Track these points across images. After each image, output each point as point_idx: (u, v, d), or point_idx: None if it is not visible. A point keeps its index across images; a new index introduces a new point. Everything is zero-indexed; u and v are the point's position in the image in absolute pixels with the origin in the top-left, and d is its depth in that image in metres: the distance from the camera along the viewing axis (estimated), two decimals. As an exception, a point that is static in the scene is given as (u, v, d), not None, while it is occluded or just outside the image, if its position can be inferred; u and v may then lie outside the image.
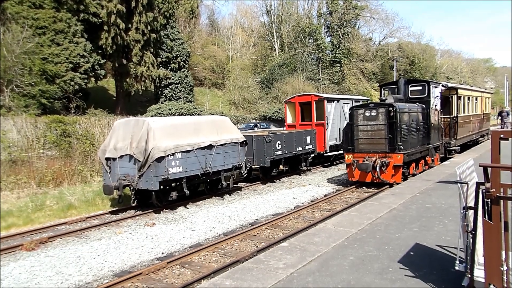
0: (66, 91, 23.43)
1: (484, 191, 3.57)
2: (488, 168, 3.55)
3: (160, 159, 10.50)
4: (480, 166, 3.56)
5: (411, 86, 15.61)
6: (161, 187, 10.83)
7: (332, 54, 52.72)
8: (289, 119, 20.53)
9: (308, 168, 18.20)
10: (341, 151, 17.68)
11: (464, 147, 20.61)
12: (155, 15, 30.06)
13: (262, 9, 56.19)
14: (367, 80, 53.38)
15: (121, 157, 11.18)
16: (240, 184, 15.18)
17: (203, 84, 45.80)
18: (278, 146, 15.24)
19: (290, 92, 38.40)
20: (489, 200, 3.52)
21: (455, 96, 18.02)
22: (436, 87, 15.70)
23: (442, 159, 17.13)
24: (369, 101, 13.26)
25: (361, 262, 5.57)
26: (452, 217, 7.64)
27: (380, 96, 15.76)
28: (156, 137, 10.61)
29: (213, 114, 27.65)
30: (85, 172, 16.19)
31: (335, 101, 19.56)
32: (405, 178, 13.23)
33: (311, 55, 52.81)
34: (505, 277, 3.48)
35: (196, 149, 11.58)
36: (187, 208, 11.85)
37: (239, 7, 69.17)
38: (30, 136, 16.75)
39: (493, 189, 3.48)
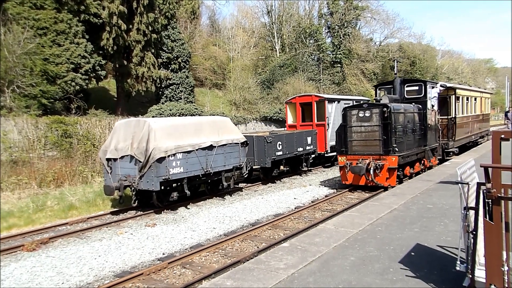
0: (67, 92, 23.42)
1: (485, 191, 3.57)
2: (489, 168, 3.55)
3: (161, 160, 10.51)
4: (481, 166, 3.56)
5: (407, 86, 15.25)
6: (162, 187, 10.83)
7: (333, 54, 52.68)
8: (290, 120, 20.53)
9: (309, 168, 18.20)
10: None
11: (463, 148, 20.20)
12: (156, 16, 30.06)
13: (263, 10, 56.16)
14: (368, 81, 53.31)
15: (122, 157, 11.19)
16: (241, 185, 15.19)
17: (204, 84, 45.79)
18: (279, 147, 15.24)
19: (291, 93, 38.38)
20: (490, 200, 3.52)
21: (453, 96, 17.68)
22: (433, 87, 15.36)
23: (440, 161, 16.84)
24: (362, 102, 13.03)
25: (362, 263, 5.57)
26: (453, 218, 7.64)
27: (376, 96, 15.45)
28: (157, 138, 10.62)
29: (214, 115, 27.66)
30: (86, 173, 16.20)
31: (336, 102, 19.56)
32: (400, 181, 12.94)
33: (311, 55, 52.80)
34: (506, 278, 3.48)
35: (197, 150, 11.58)
36: (188, 208, 11.85)
37: (240, 8, 69.18)
38: (31, 136, 16.78)
39: (494, 189, 3.48)
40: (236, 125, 20.44)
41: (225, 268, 6.83)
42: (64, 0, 23.23)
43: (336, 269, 5.38)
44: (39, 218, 11.10)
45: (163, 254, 8.05)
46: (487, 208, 3.59)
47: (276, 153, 15.03)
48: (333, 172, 18.27)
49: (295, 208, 11.59)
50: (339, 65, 52.04)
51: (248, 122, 38.44)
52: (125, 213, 11.46)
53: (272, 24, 53.79)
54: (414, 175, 13.85)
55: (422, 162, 14.68)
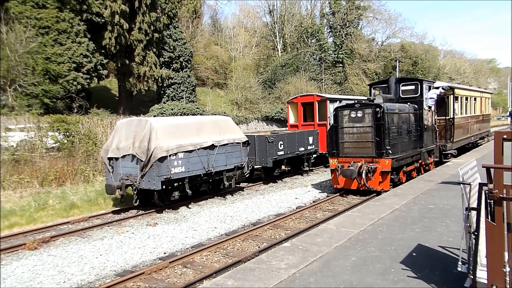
0: (68, 91, 23.48)
1: (487, 192, 3.56)
2: (491, 169, 3.54)
3: (162, 159, 10.52)
4: (483, 167, 3.55)
5: (402, 85, 14.56)
6: (163, 187, 10.84)
7: (335, 54, 52.68)
8: (292, 119, 20.52)
9: (310, 168, 18.19)
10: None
11: (462, 150, 19.51)
12: (158, 15, 30.10)
13: (265, 9, 56.24)
14: (370, 81, 53.26)
15: (123, 157, 11.20)
16: (242, 184, 15.19)
17: (205, 84, 45.83)
18: (281, 146, 15.24)
19: (292, 92, 38.40)
20: (492, 201, 3.51)
21: (452, 96, 17.05)
22: (430, 86, 14.71)
23: (438, 164, 16.29)
24: (355, 101, 12.71)
25: (363, 263, 5.56)
26: (455, 218, 7.62)
27: (370, 95, 14.78)
28: (159, 137, 10.62)
29: (215, 114, 27.67)
30: (88, 172, 16.22)
31: (338, 101, 19.54)
32: (394, 185, 12.28)
33: (313, 55, 52.82)
34: (507, 278, 3.47)
35: (198, 149, 11.59)
36: (189, 208, 11.86)
37: (242, 7, 69.20)
38: (33, 135, 16.79)
39: (496, 190, 3.47)
40: (237, 124, 20.45)
41: (226, 267, 6.83)
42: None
43: (338, 269, 5.37)
44: (41, 217, 11.12)
45: (164, 253, 8.05)
46: (489, 208, 3.58)
47: (277, 152, 15.03)
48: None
49: (296, 208, 11.59)
50: (341, 65, 52.04)
51: (250, 122, 38.47)
52: (126, 212, 11.47)
53: (274, 23, 53.80)
54: (409, 178, 13.26)
55: (419, 164, 14.08)
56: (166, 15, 32.39)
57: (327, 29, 55.61)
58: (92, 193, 13.29)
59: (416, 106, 13.81)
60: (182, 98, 33.79)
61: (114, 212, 11.50)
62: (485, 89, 32.70)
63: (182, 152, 11.11)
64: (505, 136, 3.51)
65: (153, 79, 30.59)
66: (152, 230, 9.58)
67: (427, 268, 5.26)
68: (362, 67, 52.26)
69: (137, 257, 7.79)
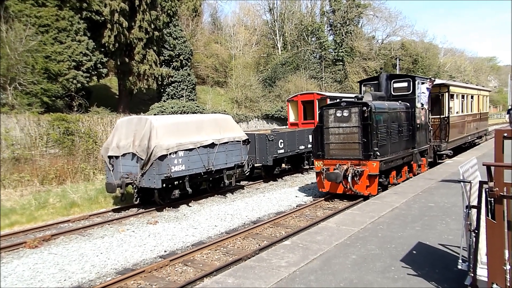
0: (68, 89, 23.45)
1: (487, 190, 3.56)
2: (492, 167, 3.54)
3: (162, 157, 10.52)
4: (483, 165, 3.55)
5: (394, 82, 13.75)
6: (164, 185, 10.85)
7: (335, 52, 52.60)
8: (292, 118, 20.51)
9: (311, 166, 18.20)
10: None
11: (458, 150, 18.75)
12: (158, 13, 30.04)
13: (265, 7, 56.11)
14: (370, 79, 53.25)
15: (123, 155, 11.21)
16: (242, 183, 15.20)
17: (205, 82, 45.79)
18: (281, 145, 15.24)
19: (292, 91, 38.36)
20: (493, 199, 3.51)
21: (447, 93, 16.29)
22: (423, 82, 13.92)
23: (432, 164, 15.62)
24: (340, 100, 11.97)
25: (364, 261, 5.57)
26: (455, 216, 7.63)
27: (360, 93, 14.02)
28: (159, 135, 10.63)
29: (215, 113, 27.66)
30: (88, 170, 16.24)
31: (338, 100, 19.51)
32: (384, 188, 11.71)
33: (313, 53, 52.74)
34: (508, 276, 3.48)
35: (198, 148, 11.59)
36: (190, 206, 11.87)
37: (242, 5, 69.16)
38: (33, 134, 16.82)
39: (496, 188, 3.47)
40: (237, 123, 20.44)
41: (226, 265, 6.84)
42: (66, -3, 23.22)
43: (338, 267, 5.38)
44: (41, 215, 11.14)
45: (165, 251, 8.07)
46: (489, 206, 3.58)
47: (277, 151, 15.03)
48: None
49: (296, 206, 11.60)
50: (341, 63, 51.97)
51: (250, 120, 38.44)
52: (127, 211, 11.49)
53: (274, 21, 53.73)
54: (400, 181, 12.45)
55: (411, 167, 13.46)
56: (166, 13, 32.33)
57: (327, 27, 55.53)
58: (92, 192, 13.30)
59: (408, 104, 13.14)
60: (182, 96, 33.76)
61: (114, 211, 11.51)
62: (483, 86, 32.31)
63: (182, 150, 11.11)
64: (505, 134, 3.51)
65: (153, 77, 30.56)
66: (152, 228, 9.59)
67: (427, 266, 5.27)
68: (362, 65, 52.19)
69: (137, 255, 7.80)
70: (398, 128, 12.21)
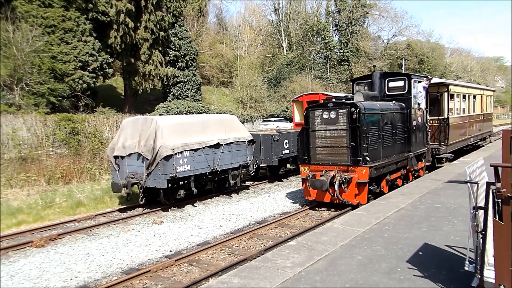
0: (75, 90, 23.62)
1: (494, 191, 3.53)
2: (499, 167, 3.51)
3: (168, 158, 10.55)
4: (490, 165, 3.53)
5: (389, 81, 12.85)
6: (169, 185, 10.87)
7: (340, 52, 52.53)
8: (297, 118, 20.49)
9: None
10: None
11: (460, 153, 17.67)
12: (164, 14, 30.16)
13: (270, 8, 56.19)
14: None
15: (129, 155, 11.25)
16: (247, 183, 15.20)
17: (210, 82, 45.88)
18: (286, 145, 15.23)
19: (297, 91, 38.32)
20: (500, 200, 3.49)
21: (446, 93, 15.26)
22: (419, 81, 13.03)
23: (431, 169, 14.71)
24: (329, 99, 11.20)
25: (369, 262, 5.55)
26: (462, 217, 7.58)
27: (353, 93, 13.27)
28: (164, 136, 10.66)
29: (220, 113, 27.68)
30: (94, 170, 16.31)
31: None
32: (376, 195, 10.70)
33: (319, 53, 52.70)
34: (515, 278, 3.45)
35: (203, 148, 11.61)
36: (195, 206, 11.89)
37: (247, 6, 69.18)
38: (40, 134, 16.92)
39: (504, 189, 3.44)
40: (243, 123, 20.46)
41: (231, 266, 6.84)
42: (72, -2, 23.39)
43: (343, 268, 5.36)
44: (48, 214, 11.20)
45: (170, 251, 8.08)
46: (496, 207, 3.55)
47: (283, 151, 15.02)
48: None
49: (301, 206, 11.58)
50: (346, 63, 51.87)
51: (255, 120, 38.43)
52: (132, 211, 11.53)
53: (279, 22, 53.73)
54: (393, 187, 11.62)
55: (406, 171, 12.46)
56: (171, 14, 32.45)
57: (332, 27, 55.50)
58: (98, 191, 13.36)
59: (404, 104, 12.25)
60: (188, 96, 33.85)
61: (120, 210, 11.56)
62: (487, 86, 31.69)
63: (187, 150, 11.13)
64: (513, 135, 3.48)
65: (158, 77, 30.69)
66: (158, 228, 9.61)
67: (434, 267, 5.24)
68: (368, 66, 52.02)
69: (143, 255, 7.82)
70: (392, 131, 11.33)
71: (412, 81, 12.48)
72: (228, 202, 12.30)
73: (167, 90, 33.57)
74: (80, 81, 23.93)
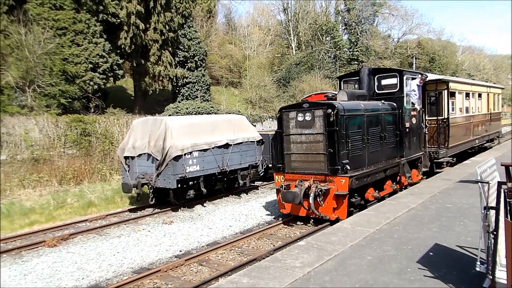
0: (85, 91, 23.84)
1: (506, 190, 3.50)
2: (510, 167, 3.47)
3: (177, 158, 10.61)
4: (502, 165, 3.49)
5: (379, 78, 11.68)
6: (179, 185, 10.94)
7: (350, 51, 52.22)
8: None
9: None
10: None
11: (463, 156, 16.23)
12: (173, 15, 30.30)
13: (279, 7, 56.04)
14: (385, 78, 52.63)
15: (139, 155, 11.35)
16: (256, 183, 15.21)
17: (220, 83, 46.00)
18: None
19: (307, 91, 38.19)
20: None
21: (445, 91, 13.92)
22: (413, 78, 11.87)
23: (429, 175, 13.44)
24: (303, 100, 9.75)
25: (379, 262, 5.52)
26: (473, 217, 7.49)
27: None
28: (174, 136, 10.72)
29: (230, 113, 27.74)
30: (105, 171, 16.48)
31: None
32: (362, 207, 9.47)
33: (328, 53, 52.46)
34: (528, 279, 3.40)
35: (213, 148, 11.65)
36: (204, 206, 11.94)
37: (256, 6, 69.29)
38: (52, 135, 17.14)
39: (515, 188, 3.40)
40: (252, 123, 20.48)
41: (241, 266, 6.87)
42: (83, 1, 23.61)
43: (353, 268, 5.35)
44: (60, 214, 11.35)
45: (180, 251, 8.14)
46: (508, 207, 3.51)
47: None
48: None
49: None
50: (356, 62, 51.55)
51: (264, 120, 38.39)
52: (142, 211, 11.62)
53: (288, 21, 53.62)
54: (380, 199, 10.10)
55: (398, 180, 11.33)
56: (180, 15, 32.56)
57: (342, 26, 55.19)
58: (109, 192, 13.49)
59: (395, 104, 11.05)
60: (197, 97, 33.96)
61: (130, 211, 11.66)
62: (494, 83, 30.44)
63: (197, 151, 11.19)
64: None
65: (168, 78, 30.83)
66: (168, 228, 9.68)
67: (444, 267, 5.20)
68: (378, 65, 51.64)
69: (153, 255, 7.89)
70: (380, 134, 10.19)
71: (405, 78, 11.27)
72: (237, 202, 12.32)
73: (177, 91, 33.72)
74: (91, 83, 24.14)
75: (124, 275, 7.00)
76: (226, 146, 12.14)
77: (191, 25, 34.83)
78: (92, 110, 22.38)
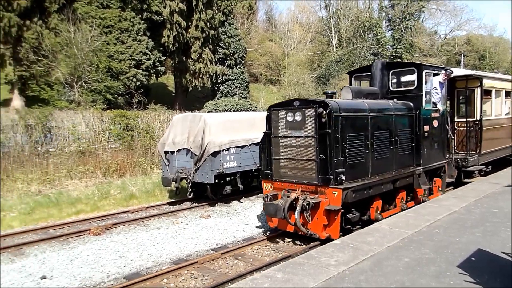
0: (128, 87, 24.73)
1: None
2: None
3: (215, 154, 10.80)
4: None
5: (393, 74, 10.20)
6: (216, 181, 11.12)
7: (393, 49, 50.78)
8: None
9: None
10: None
11: (500, 164, 14.15)
12: (214, 13, 30.73)
13: (320, 4, 55.41)
14: (429, 76, 50.79)
15: (179, 150, 11.64)
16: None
17: (258, 80, 46.19)
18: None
19: (346, 89, 37.56)
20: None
21: (478, 89, 12.29)
22: (435, 74, 10.29)
23: (455, 186, 11.83)
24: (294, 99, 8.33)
25: (417, 264, 5.40)
26: (521, 223, 7.14)
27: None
28: (212, 132, 10.92)
29: (268, 110, 27.76)
30: (145, 165, 17.02)
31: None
32: (365, 224, 8.08)
33: (370, 50, 51.31)
34: None
35: (250, 145, 11.75)
36: (241, 202, 12.08)
37: (297, 3, 68.80)
38: (97, 129, 17.89)
39: None
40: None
41: (276, 261, 6.92)
42: (128, -1, 24.49)
43: (389, 269, 5.26)
44: (103, 205, 11.87)
45: (217, 244, 8.30)
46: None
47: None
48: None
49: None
50: (399, 59, 50.08)
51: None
52: (181, 204, 11.92)
53: (330, 18, 52.91)
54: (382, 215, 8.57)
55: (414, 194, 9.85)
56: (221, 12, 32.98)
57: (385, 22, 53.74)
58: (149, 185, 13.93)
59: (411, 104, 9.56)
60: (236, 94, 34.31)
61: (169, 204, 12.00)
62: None
63: (234, 147, 11.33)
64: None
65: (208, 75, 31.34)
66: (205, 222, 9.89)
67: (487, 274, 5.00)
68: (422, 62, 49.99)
69: (191, 247, 8.10)
70: (390, 138, 8.75)
71: (424, 73, 9.70)
72: (273, 199, 12.36)
73: (216, 88, 34.22)
74: (134, 79, 25.00)
75: (163, 265, 7.25)
76: (264, 143, 12.20)
77: (231, 23, 35.18)
78: (135, 106, 23.16)
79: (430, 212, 8.24)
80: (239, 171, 11.58)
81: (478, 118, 12.34)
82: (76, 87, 21.60)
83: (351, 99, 8.66)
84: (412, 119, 9.51)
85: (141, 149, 18.02)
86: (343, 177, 7.36)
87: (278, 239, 8.49)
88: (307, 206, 7.38)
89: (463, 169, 12.03)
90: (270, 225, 8.58)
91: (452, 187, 11.88)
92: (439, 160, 10.55)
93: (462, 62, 44.56)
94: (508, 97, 14.70)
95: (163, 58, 28.05)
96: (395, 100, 9.34)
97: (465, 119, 12.33)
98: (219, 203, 11.79)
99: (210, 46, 31.11)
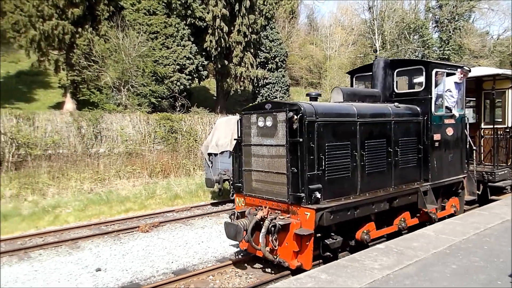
0: (172, 91, 25.50)
1: None
2: None
3: (258, 156, 10.96)
4: None
5: (399, 73, 8.87)
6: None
7: (440, 51, 49.01)
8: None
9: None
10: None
11: None
12: (256, 17, 31.07)
13: (364, 6, 54.50)
14: (479, 79, 48.57)
15: (222, 153, 11.94)
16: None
17: (299, 83, 46.12)
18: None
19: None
20: None
21: (510, 91, 10.63)
22: (448, 74, 8.77)
23: (482, 202, 9.97)
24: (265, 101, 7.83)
25: (465, 272, 5.29)
26: None
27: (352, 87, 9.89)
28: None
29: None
30: (189, 166, 17.53)
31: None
32: (354, 249, 7.05)
33: (415, 52, 49.87)
34: None
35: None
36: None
37: (339, 5, 68.29)
38: (143, 131, 18.63)
39: None
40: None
41: (320, 263, 6.98)
42: (174, 6, 25.27)
43: (436, 275, 5.19)
44: (150, 204, 12.40)
45: (259, 245, 8.46)
46: None
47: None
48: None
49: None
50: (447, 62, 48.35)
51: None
52: (223, 205, 12.22)
53: (373, 20, 51.91)
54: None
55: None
56: (263, 17, 33.26)
57: (432, 24, 52.02)
58: (193, 186, 14.36)
59: (418, 108, 8.25)
60: (276, 97, 34.45)
61: (212, 204, 12.34)
62: None
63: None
64: None
65: (249, 79, 31.67)
66: (247, 223, 10.09)
67: (541, 283, 4.83)
68: (472, 64, 47.90)
69: (234, 247, 8.32)
70: (387, 149, 7.52)
71: (433, 73, 8.25)
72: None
73: (257, 91, 34.51)
74: (178, 83, 25.74)
75: (208, 263, 7.53)
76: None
77: (273, 27, 35.40)
78: (178, 109, 23.87)
79: (479, 220, 7.98)
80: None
81: (510, 125, 10.73)
82: (123, 91, 22.57)
83: (342, 101, 7.59)
84: (419, 126, 8.22)
85: (184, 151, 18.57)
86: (318, 195, 6.18)
87: (250, 264, 7.36)
88: (272, 229, 6.24)
89: (489, 184, 10.14)
90: (240, 247, 7.67)
91: (478, 204, 10.26)
92: (455, 175, 9.02)
93: (516, 64, 42.29)
94: None
95: (205, 62, 28.67)
96: (396, 104, 8.07)
97: (489, 126, 10.84)
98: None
99: (252, 50, 31.45)
